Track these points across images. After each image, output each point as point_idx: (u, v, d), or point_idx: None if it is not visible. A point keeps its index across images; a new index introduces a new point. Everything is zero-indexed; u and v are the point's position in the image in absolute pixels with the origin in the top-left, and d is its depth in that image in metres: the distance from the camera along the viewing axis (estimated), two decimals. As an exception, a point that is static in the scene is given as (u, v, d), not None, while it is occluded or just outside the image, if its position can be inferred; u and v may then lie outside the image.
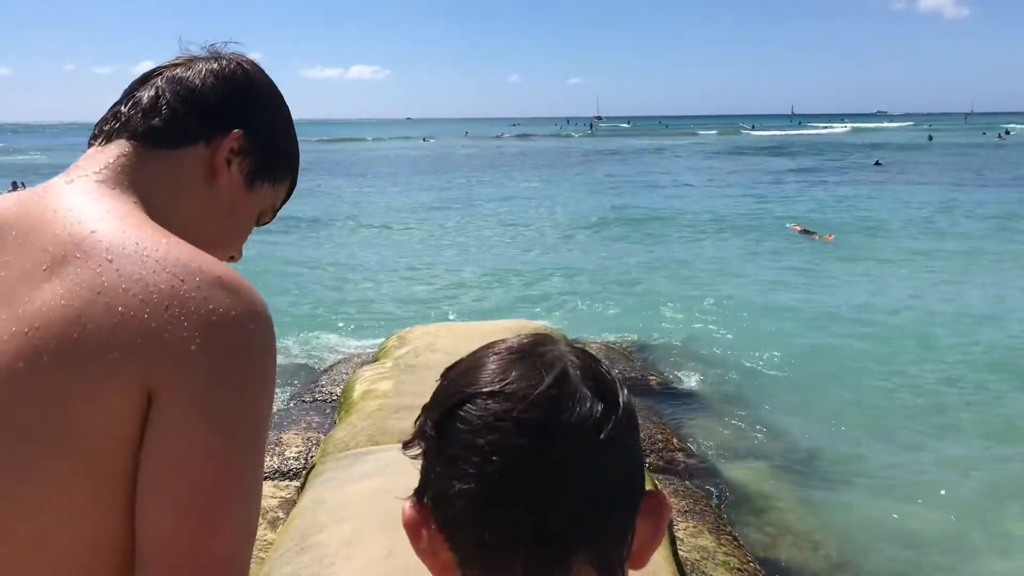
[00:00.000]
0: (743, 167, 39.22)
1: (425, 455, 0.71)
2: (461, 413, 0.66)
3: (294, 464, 4.83)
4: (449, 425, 0.67)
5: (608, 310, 10.65)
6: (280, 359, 7.98)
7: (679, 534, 3.92)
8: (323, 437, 4.92)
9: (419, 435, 0.71)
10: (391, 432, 4.26)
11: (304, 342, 8.79)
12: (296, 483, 4.36)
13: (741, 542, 4.23)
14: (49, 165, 42.19)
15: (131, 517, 0.77)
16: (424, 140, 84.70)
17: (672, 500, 4.33)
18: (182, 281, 0.79)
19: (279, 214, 1.15)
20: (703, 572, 3.66)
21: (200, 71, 0.99)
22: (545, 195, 26.46)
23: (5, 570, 0.78)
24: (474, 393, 0.67)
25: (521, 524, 0.65)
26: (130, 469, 0.77)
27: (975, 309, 10.27)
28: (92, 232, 0.82)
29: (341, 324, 9.71)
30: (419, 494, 0.71)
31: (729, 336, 9.11)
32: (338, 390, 6.09)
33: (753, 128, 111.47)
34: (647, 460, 5.00)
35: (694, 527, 4.10)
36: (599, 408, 0.67)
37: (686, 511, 4.29)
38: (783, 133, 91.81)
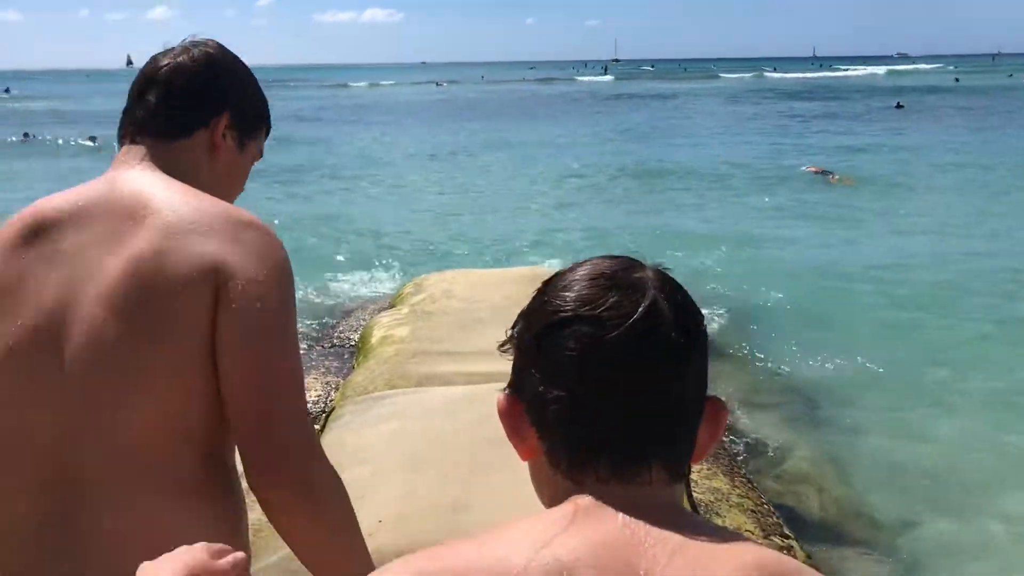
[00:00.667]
0: (765, 112, 38.50)
1: (520, 358, 0.80)
2: (559, 332, 0.75)
3: (314, 408, 4.92)
4: (546, 341, 0.76)
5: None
6: (300, 307, 8.05)
7: (693, 476, 3.95)
8: (342, 381, 4.99)
9: (515, 342, 0.81)
10: (408, 376, 4.32)
11: (322, 290, 8.86)
12: (316, 426, 4.45)
13: (755, 484, 4.29)
14: (57, 112, 42.35)
15: (216, 390, 1.13)
16: (437, 84, 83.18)
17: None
18: (224, 222, 1.17)
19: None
20: (717, 514, 3.72)
21: (184, 73, 1.30)
22: (561, 142, 26.16)
23: (144, 436, 1.13)
24: (572, 316, 0.75)
25: (607, 434, 0.74)
26: (210, 354, 1.12)
27: (997, 254, 10.14)
28: (154, 196, 1.20)
29: (358, 272, 9.75)
30: (513, 388, 0.81)
31: (743, 282, 9.06)
32: (356, 336, 6.15)
33: (775, 71, 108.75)
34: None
35: (708, 469, 4.15)
36: (682, 336, 0.75)
37: (700, 454, 4.33)
38: (806, 76, 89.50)
